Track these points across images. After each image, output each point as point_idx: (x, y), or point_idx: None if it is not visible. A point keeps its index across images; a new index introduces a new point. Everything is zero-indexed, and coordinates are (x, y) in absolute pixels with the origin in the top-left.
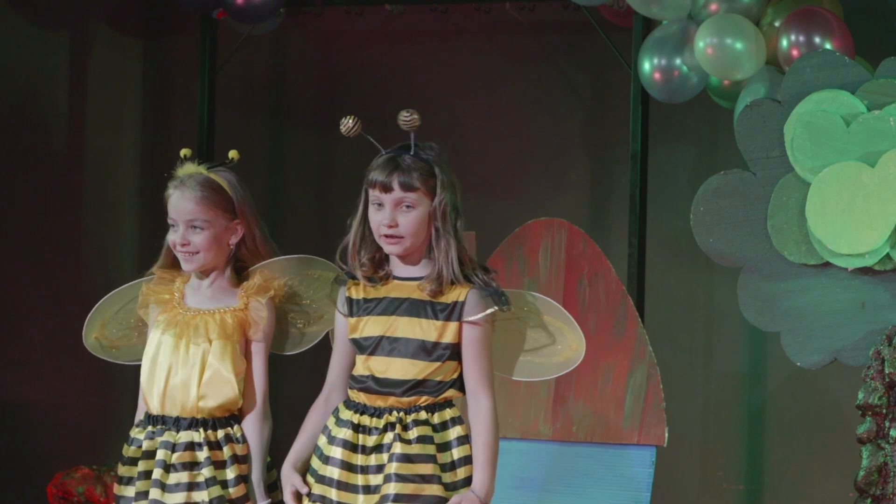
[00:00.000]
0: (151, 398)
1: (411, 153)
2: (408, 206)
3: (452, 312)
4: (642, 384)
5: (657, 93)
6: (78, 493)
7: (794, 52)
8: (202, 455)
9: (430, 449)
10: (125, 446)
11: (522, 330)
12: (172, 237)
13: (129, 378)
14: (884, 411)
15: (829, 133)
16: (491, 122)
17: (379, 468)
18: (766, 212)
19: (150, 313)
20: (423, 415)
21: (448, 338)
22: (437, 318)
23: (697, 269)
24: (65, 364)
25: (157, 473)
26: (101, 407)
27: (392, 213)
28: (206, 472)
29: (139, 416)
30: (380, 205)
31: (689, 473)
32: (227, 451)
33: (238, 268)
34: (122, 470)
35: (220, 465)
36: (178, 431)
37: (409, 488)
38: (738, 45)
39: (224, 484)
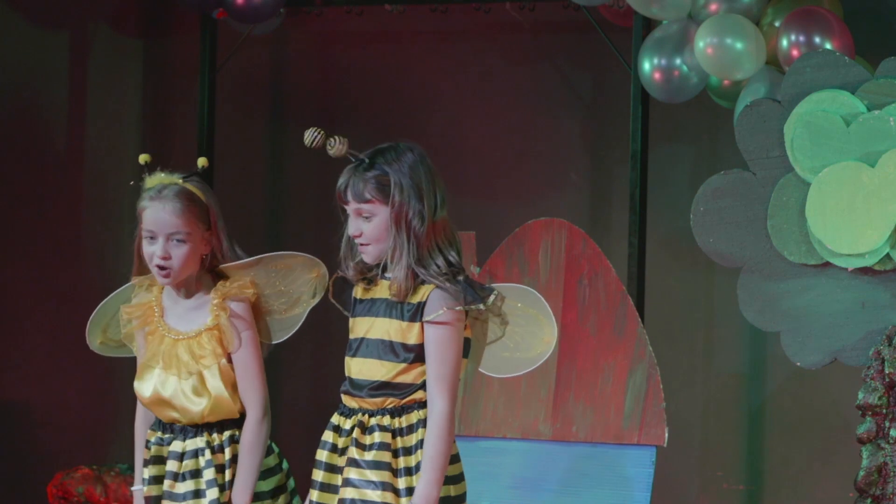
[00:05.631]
0: (156, 414)
1: (367, 162)
2: (366, 217)
3: (416, 313)
4: (642, 384)
5: (657, 93)
6: (78, 493)
7: (794, 52)
8: (203, 460)
9: (385, 456)
10: (144, 450)
11: (499, 325)
12: (150, 249)
13: (128, 378)
14: (884, 411)
15: (829, 133)
16: (491, 122)
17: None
18: (766, 212)
19: (137, 338)
20: (386, 419)
21: (413, 339)
22: (403, 319)
23: (697, 269)
24: (65, 364)
25: (167, 484)
26: (101, 407)
27: (355, 222)
28: (206, 475)
29: (144, 421)
30: (347, 215)
31: (689, 473)
32: (228, 453)
33: (214, 273)
34: (145, 471)
35: (219, 468)
36: (185, 440)
37: (355, 493)
38: (738, 45)
39: (222, 487)
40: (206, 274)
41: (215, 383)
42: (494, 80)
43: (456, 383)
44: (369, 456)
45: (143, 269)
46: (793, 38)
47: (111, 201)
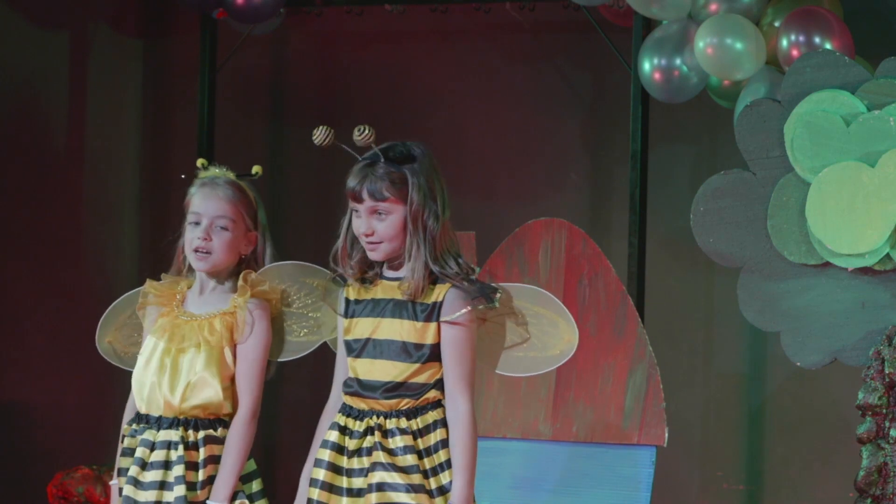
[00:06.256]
0: (139, 398)
1: (383, 161)
2: (381, 215)
3: (432, 313)
4: (642, 384)
5: (657, 93)
6: (78, 493)
7: (794, 52)
8: (175, 454)
9: (413, 459)
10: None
11: (517, 325)
12: (192, 234)
13: (128, 379)
14: (884, 411)
15: (829, 133)
16: (491, 122)
17: (361, 472)
18: (766, 212)
19: (148, 315)
20: (403, 421)
21: (429, 339)
22: (417, 319)
23: (697, 269)
24: (65, 364)
25: (133, 471)
26: (101, 407)
27: (367, 220)
28: (175, 471)
29: (129, 414)
30: (357, 212)
31: (689, 473)
32: (203, 453)
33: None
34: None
35: (192, 465)
36: (158, 430)
37: (387, 497)
38: (738, 45)
39: (192, 485)
40: (235, 281)
41: (209, 365)
42: (494, 80)
43: (473, 382)
44: (399, 460)
45: (180, 270)
46: (793, 38)
47: (111, 201)
